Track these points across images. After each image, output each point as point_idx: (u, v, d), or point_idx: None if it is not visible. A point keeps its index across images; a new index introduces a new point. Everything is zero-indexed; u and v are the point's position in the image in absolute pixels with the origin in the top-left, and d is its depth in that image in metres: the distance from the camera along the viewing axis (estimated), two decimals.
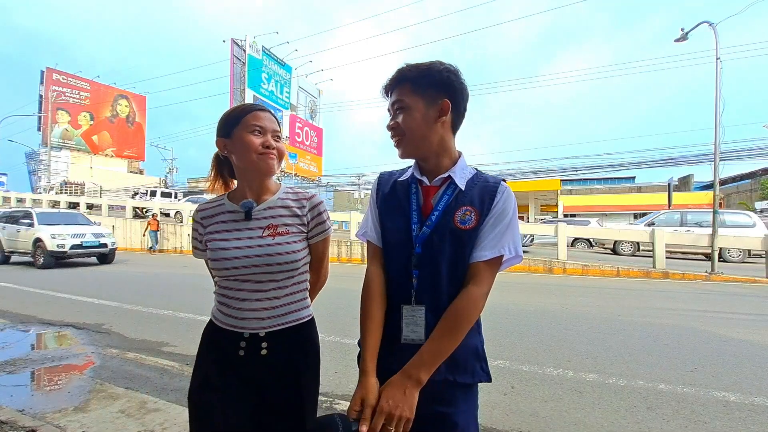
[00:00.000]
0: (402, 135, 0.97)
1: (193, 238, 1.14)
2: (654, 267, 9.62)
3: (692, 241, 10.05)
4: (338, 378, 3.04)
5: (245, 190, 1.08)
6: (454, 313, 0.90)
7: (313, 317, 1.16)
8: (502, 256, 0.92)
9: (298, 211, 1.10)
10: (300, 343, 1.08)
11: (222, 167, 1.16)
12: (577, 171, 23.51)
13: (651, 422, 2.41)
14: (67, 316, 5.10)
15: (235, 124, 1.04)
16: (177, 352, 3.71)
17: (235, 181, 1.15)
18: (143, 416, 2.39)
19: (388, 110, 1.01)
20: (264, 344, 1.03)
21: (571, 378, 3.11)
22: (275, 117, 1.09)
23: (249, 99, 23.34)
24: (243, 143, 1.02)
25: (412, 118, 0.95)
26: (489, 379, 0.97)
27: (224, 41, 24.19)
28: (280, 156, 1.07)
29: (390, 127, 0.99)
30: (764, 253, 9.44)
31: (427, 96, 0.94)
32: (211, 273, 1.12)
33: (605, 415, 2.50)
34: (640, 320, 5.00)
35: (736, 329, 4.59)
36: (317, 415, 1.10)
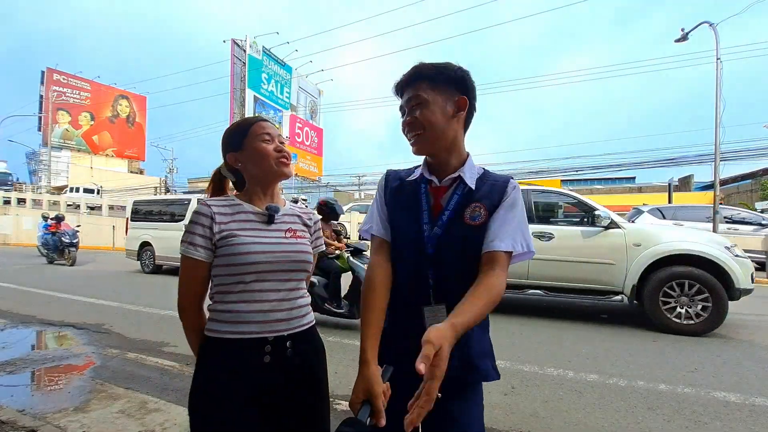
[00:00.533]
0: (421, 130, 0.95)
1: (191, 233, 1.00)
2: None
3: None
4: (338, 378, 3.04)
5: (260, 196, 1.10)
6: (487, 286, 0.85)
7: None
8: (512, 251, 0.92)
9: (308, 222, 1.18)
10: (315, 345, 1.12)
11: (222, 183, 1.18)
12: (577, 171, 23.54)
13: (651, 422, 2.41)
14: (67, 316, 5.10)
15: (244, 136, 1.08)
16: (178, 352, 3.70)
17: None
18: (144, 416, 2.39)
19: (401, 108, 1.00)
20: (289, 343, 1.03)
21: (572, 378, 3.11)
22: (275, 125, 1.15)
23: (249, 99, 23.36)
24: (257, 152, 1.06)
25: (431, 112, 0.94)
26: (497, 377, 0.97)
27: (224, 41, 24.20)
28: (289, 158, 1.12)
29: (407, 123, 0.97)
30: (766, 253, 9.44)
31: (445, 92, 0.94)
32: (211, 281, 1.04)
33: (606, 416, 2.50)
34: (640, 320, 4.99)
35: (736, 329, 4.59)
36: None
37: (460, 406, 0.93)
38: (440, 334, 0.72)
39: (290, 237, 1.08)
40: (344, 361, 3.42)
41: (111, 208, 21.21)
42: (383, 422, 0.83)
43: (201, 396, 0.97)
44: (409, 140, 0.99)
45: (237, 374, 0.97)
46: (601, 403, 2.68)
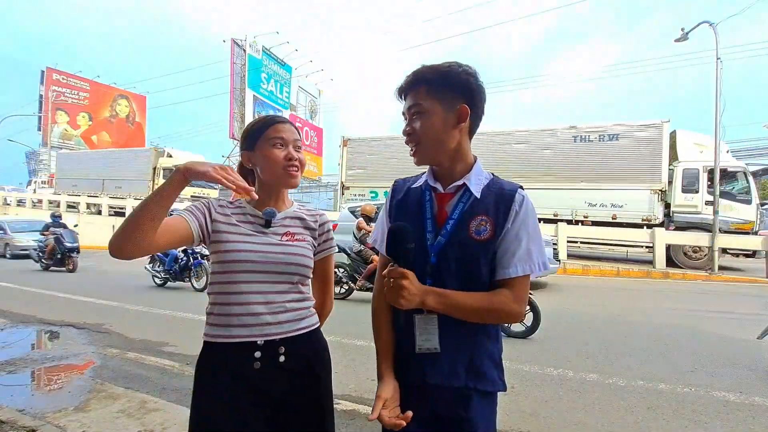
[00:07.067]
0: (418, 141, 0.93)
1: (195, 206, 1.03)
2: (654, 267, 9.61)
3: (692, 242, 10.03)
4: (338, 378, 3.04)
5: (266, 200, 1.09)
6: (490, 299, 0.88)
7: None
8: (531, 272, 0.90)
9: (312, 224, 1.14)
10: (315, 348, 1.10)
11: (245, 177, 1.13)
12: None
13: (651, 422, 2.42)
14: (67, 316, 5.10)
15: (257, 138, 1.06)
16: (177, 351, 3.71)
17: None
18: (143, 416, 2.39)
19: (404, 114, 0.96)
20: (282, 349, 1.01)
21: (571, 378, 3.11)
22: (295, 127, 1.11)
23: (249, 99, 23.33)
24: (266, 157, 1.04)
25: (430, 124, 0.90)
26: (504, 388, 0.95)
27: (224, 41, 24.16)
28: (302, 166, 1.08)
29: (406, 133, 0.95)
30: (765, 253, 9.45)
31: (446, 100, 0.90)
32: (207, 280, 1.06)
33: (605, 415, 2.51)
34: (640, 320, 5.00)
35: (736, 329, 4.58)
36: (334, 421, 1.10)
37: (472, 414, 0.90)
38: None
39: (286, 240, 1.06)
40: (344, 361, 3.42)
41: (111, 207, 21.19)
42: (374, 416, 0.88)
43: (198, 397, 1.00)
44: (410, 150, 0.96)
45: (230, 379, 0.98)
46: (601, 403, 2.68)
